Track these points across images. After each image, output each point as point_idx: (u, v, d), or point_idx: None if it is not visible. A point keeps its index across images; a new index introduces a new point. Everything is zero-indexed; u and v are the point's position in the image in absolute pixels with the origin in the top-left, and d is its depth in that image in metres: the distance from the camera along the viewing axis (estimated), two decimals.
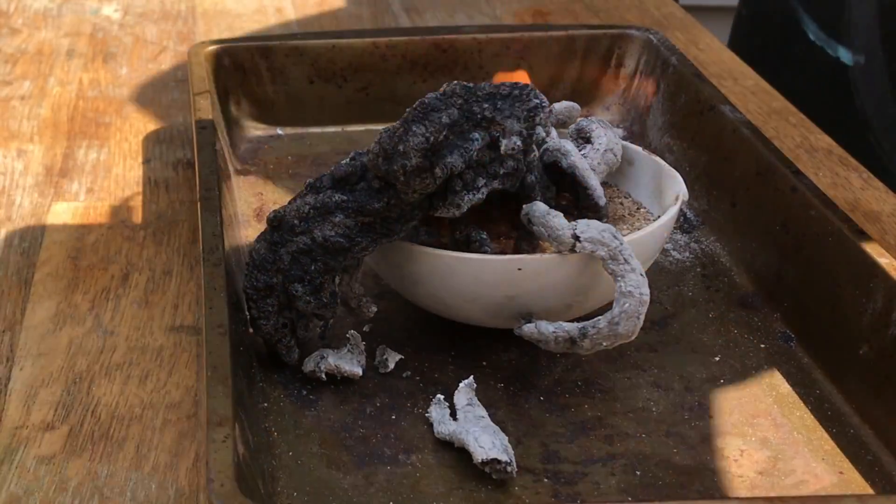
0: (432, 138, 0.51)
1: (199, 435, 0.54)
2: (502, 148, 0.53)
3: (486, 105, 0.53)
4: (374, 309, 0.57)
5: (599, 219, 0.59)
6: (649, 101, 0.80)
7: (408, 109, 0.54)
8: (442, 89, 0.54)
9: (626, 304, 0.53)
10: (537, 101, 0.54)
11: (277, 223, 0.55)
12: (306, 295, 0.54)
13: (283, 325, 0.55)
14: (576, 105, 0.67)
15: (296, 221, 0.54)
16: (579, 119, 0.65)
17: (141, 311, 0.64)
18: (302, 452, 0.52)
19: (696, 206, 0.71)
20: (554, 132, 0.60)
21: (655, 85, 0.80)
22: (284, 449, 0.53)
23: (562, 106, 0.67)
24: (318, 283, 0.54)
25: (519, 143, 0.53)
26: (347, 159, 0.56)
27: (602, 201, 0.59)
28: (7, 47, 1.00)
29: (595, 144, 0.62)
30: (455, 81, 0.55)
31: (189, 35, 1.03)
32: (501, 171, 0.54)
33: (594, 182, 0.59)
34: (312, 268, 0.54)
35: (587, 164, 0.59)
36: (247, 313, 0.56)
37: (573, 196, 0.59)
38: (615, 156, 0.63)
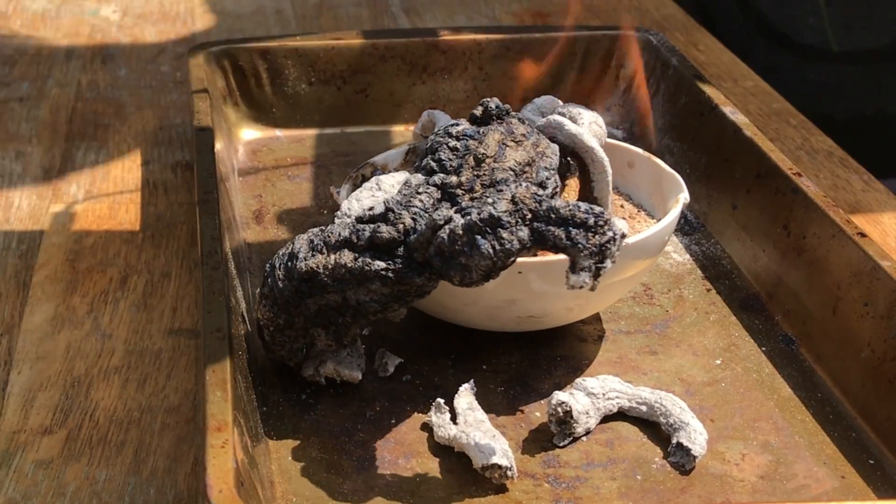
0: (500, 264, 0.49)
1: (197, 439, 0.54)
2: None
3: (558, 231, 0.50)
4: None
5: (605, 186, 0.59)
6: (649, 103, 0.80)
7: (465, 200, 0.51)
8: (509, 197, 0.50)
9: None
10: (612, 233, 0.50)
11: (307, 277, 0.52)
12: (328, 339, 0.53)
13: (297, 349, 0.55)
14: (556, 99, 0.67)
15: (328, 281, 0.52)
16: (557, 108, 0.65)
17: (139, 314, 0.64)
18: (301, 457, 0.52)
19: (696, 208, 0.71)
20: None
21: (655, 86, 0.80)
22: (283, 453, 0.52)
23: (542, 100, 0.66)
24: (342, 332, 0.53)
25: (588, 280, 0.50)
26: (381, 207, 0.53)
27: (606, 161, 0.59)
28: (6, 49, 0.99)
29: (579, 121, 0.63)
30: (523, 183, 0.51)
31: (188, 36, 1.03)
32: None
33: (595, 143, 0.59)
34: (339, 321, 0.53)
35: (582, 129, 0.59)
36: (250, 326, 0.56)
37: (578, 166, 0.59)
38: (600, 127, 0.63)
